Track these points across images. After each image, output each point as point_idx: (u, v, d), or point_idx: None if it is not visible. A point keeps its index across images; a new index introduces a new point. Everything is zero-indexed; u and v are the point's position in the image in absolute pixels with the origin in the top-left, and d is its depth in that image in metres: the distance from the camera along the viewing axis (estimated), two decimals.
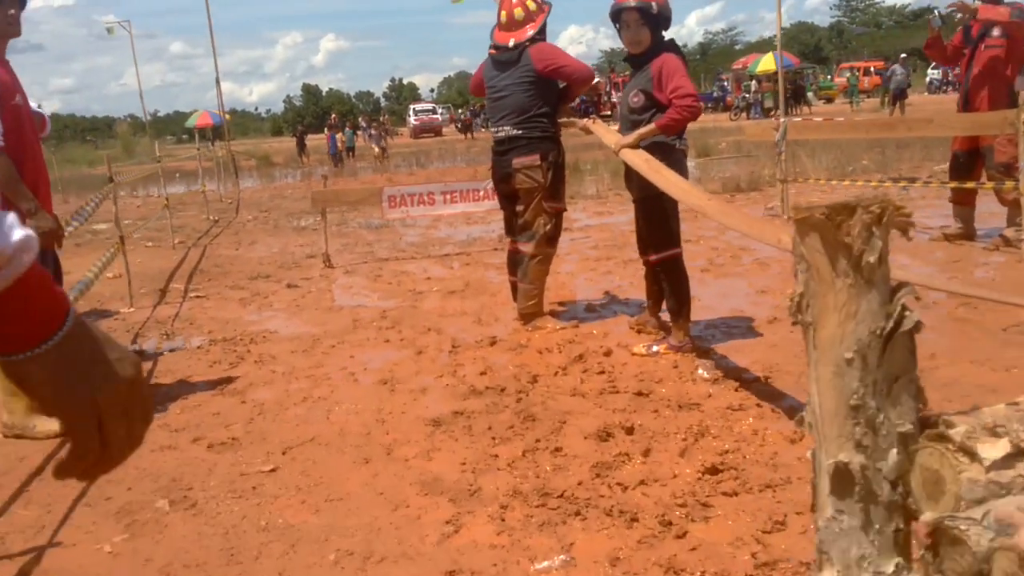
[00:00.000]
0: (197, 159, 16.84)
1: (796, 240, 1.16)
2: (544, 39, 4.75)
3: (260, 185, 20.99)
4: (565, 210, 5.02)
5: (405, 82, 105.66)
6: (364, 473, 3.09)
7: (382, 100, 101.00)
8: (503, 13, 4.74)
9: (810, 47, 71.97)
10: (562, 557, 2.36)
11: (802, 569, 2.19)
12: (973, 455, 1.00)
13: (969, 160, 6.10)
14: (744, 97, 32.52)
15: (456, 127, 42.18)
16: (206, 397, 4.16)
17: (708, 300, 5.14)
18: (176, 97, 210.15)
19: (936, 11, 5.93)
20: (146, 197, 17.83)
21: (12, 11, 3.66)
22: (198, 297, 6.68)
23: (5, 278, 0.71)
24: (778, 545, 2.34)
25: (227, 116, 30.57)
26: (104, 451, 0.80)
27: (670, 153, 4.02)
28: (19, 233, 0.73)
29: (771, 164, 11.37)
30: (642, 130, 4.05)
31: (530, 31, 4.67)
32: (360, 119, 46.27)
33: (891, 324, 1.10)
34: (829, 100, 39.07)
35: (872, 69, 40.79)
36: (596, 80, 4.97)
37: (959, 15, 5.90)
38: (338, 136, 28.32)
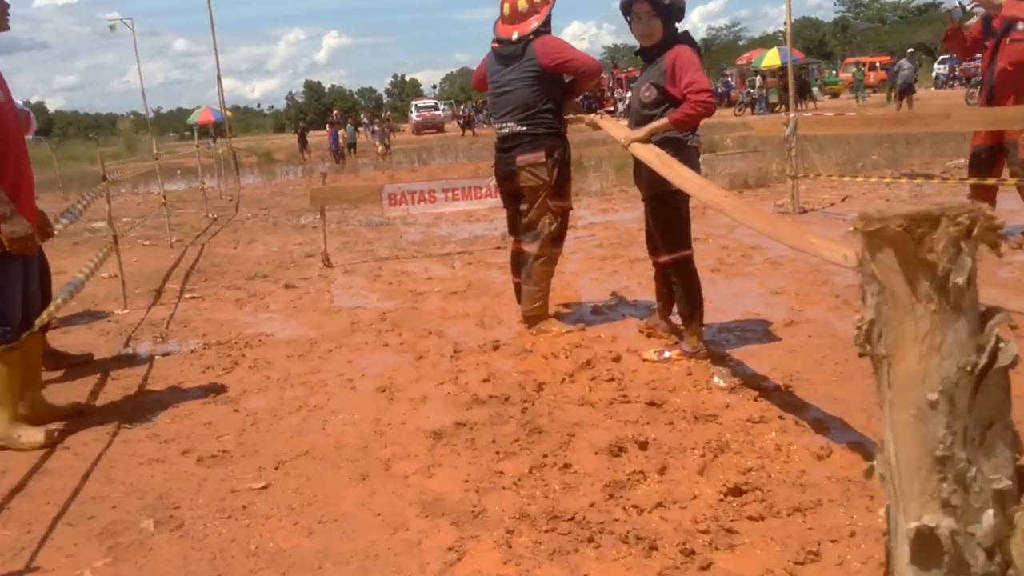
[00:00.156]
0: (196, 156, 16.64)
1: (865, 256, 0.96)
2: (549, 32, 4.55)
3: (261, 182, 20.82)
4: (571, 209, 4.82)
5: (407, 78, 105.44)
6: (361, 491, 2.90)
7: (384, 96, 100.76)
8: (506, 5, 4.54)
9: (814, 42, 71.63)
10: None
11: None
12: None
13: (991, 156, 5.89)
14: (749, 92, 32.29)
15: (458, 123, 41.95)
16: (198, 405, 3.98)
17: (720, 302, 4.94)
18: (180, 94, 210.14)
19: (959, 2, 5.71)
20: (146, 194, 17.63)
21: None
22: (194, 298, 6.50)
23: None
24: None
25: (229, 113, 30.43)
26: None
27: (681, 149, 3.83)
28: None
29: (779, 160, 11.18)
30: (654, 124, 3.86)
31: (534, 23, 4.48)
32: (362, 115, 46.11)
33: (984, 359, 0.90)
34: (834, 95, 38.75)
35: (878, 64, 40.51)
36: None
37: (978, 8, 5.68)
38: (340, 132, 28.14)
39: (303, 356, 4.66)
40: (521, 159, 4.52)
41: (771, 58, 32.76)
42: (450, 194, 7.60)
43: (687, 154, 3.84)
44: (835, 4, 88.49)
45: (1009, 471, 0.91)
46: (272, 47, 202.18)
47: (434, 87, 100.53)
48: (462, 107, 53.24)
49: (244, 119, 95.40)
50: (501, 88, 4.59)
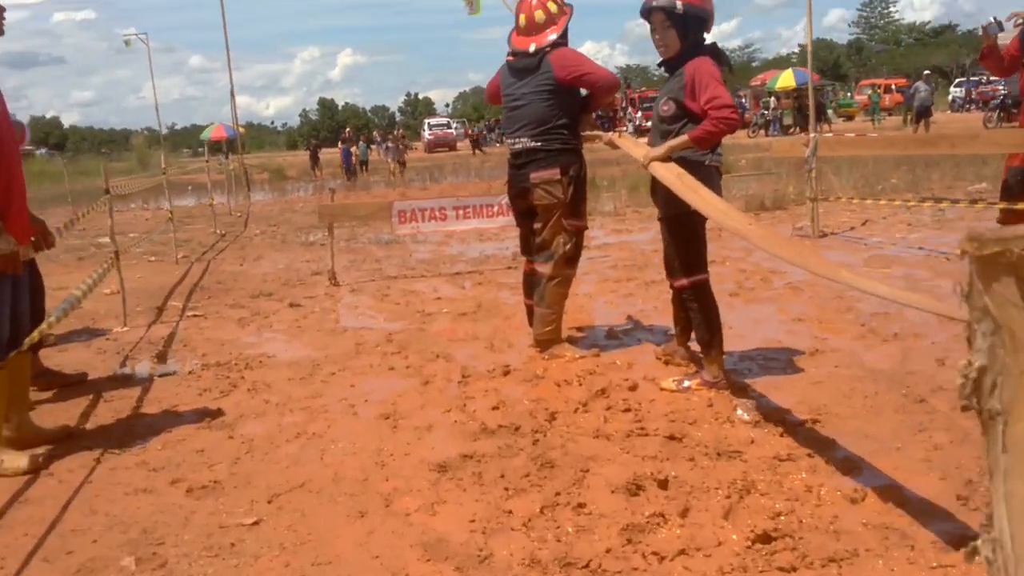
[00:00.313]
0: (206, 172, 16.58)
1: (975, 287, 0.76)
2: (566, 44, 4.38)
3: (272, 198, 20.76)
4: (587, 228, 4.63)
5: (420, 97, 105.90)
6: (358, 530, 2.70)
7: (397, 115, 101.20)
8: (522, 16, 4.38)
9: (828, 64, 71.50)
10: None
11: None
12: None
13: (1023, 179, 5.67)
14: (763, 114, 32.08)
15: (471, 143, 41.95)
16: (191, 431, 3.79)
17: (740, 328, 4.73)
18: (194, 111, 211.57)
19: (992, 18, 5.51)
20: (156, 210, 17.56)
21: None
22: (196, 316, 6.33)
23: None
24: None
25: (242, 129, 30.54)
26: None
27: (698, 170, 3.60)
28: None
29: (795, 181, 10.98)
30: (673, 142, 3.66)
31: (552, 35, 4.31)
32: (375, 133, 46.20)
33: None
34: (849, 118, 38.50)
35: (893, 87, 40.23)
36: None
37: (1019, 22, 5.47)
38: (352, 150, 28.10)
39: (304, 379, 4.48)
40: (535, 176, 4.34)
41: (786, 79, 32.56)
42: (461, 212, 7.43)
43: (705, 175, 3.63)
44: (849, 26, 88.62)
45: None
46: (287, 64, 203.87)
47: (447, 106, 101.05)
48: (474, 126, 53.33)
49: (258, 136, 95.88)
50: (515, 102, 4.42)
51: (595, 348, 4.59)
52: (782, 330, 4.73)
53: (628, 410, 3.57)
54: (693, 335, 4.01)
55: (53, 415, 4.11)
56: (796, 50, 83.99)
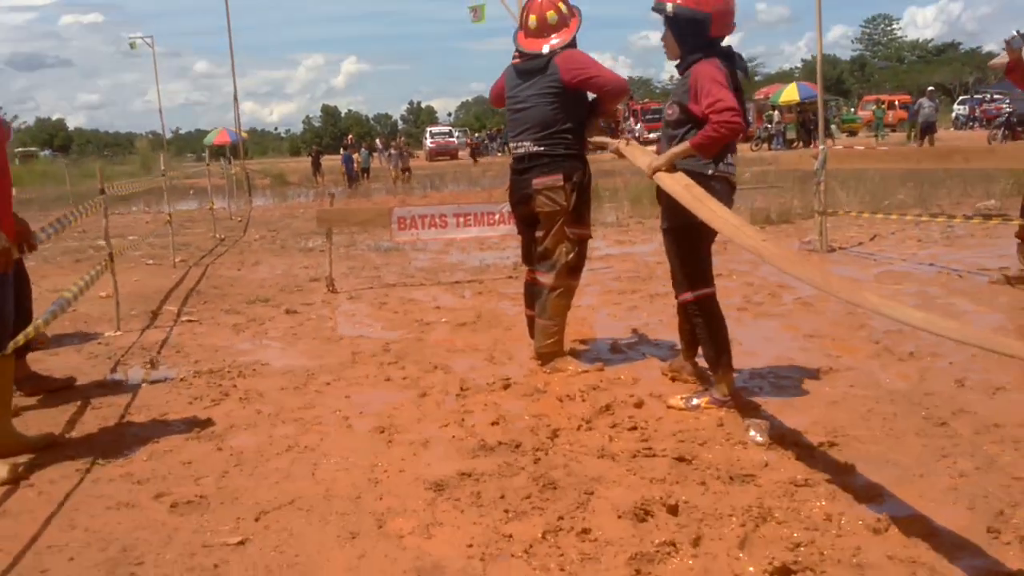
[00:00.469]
0: (207, 176, 16.46)
1: None
2: (575, 46, 4.24)
3: (273, 204, 20.65)
4: (590, 237, 4.48)
5: (423, 105, 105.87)
6: (349, 553, 2.54)
7: (400, 123, 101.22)
8: (532, 17, 4.23)
9: (831, 80, 71.43)
10: None
11: None
12: None
13: None
14: (766, 128, 31.98)
15: (470, 151, 41.81)
16: (179, 441, 3.64)
17: (750, 344, 4.58)
18: (199, 116, 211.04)
19: (1017, 31, 5.37)
20: (157, 213, 17.41)
21: None
22: (190, 321, 6.18)
23: None
24: None
25: (245, 135, 30.45)
26: None
27: (702, 181, 3.41)
28: None
29: (801, 195, 10.86)
30: (675, 149, 3.50)
31: (563, 37, 4.17)
32: (377, 140, 46.13)
33: None
34: (852, 133, 38.39)
35: (897, 103, 40.11)
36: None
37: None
38: (354, 156, 27.99)
39: (298, 389, 4.33)
40: (537, 182, 4.20)
41: (789, 93, 32.49)
42: (462, 219, 7.29)
43: (711, 186, 3.44)
44: (852, 42, 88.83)
45: None
46: (291, 71, 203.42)
47: (449, 115, 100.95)
48: (477, 135, 53.27)
49: (261, 142, 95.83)
50: (519, 104, 4.28)
51: (599, 362, 4.45)
52: (794, 347, 4.58)
53: (634, 428, 3.42)
54: (700, 351, 3.86)
55: (38, 422, 3.97)
56: (799, 65, 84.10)
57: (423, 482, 3.02)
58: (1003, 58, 5.67)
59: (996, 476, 2.78)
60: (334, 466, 3.25)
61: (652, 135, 32.19)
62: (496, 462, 3.15)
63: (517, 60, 4.32)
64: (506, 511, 2.73)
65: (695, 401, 3.64)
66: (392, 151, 30.08)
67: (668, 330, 4.96)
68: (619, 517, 2.62)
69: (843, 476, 2.84)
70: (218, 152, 36.78)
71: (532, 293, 4.51)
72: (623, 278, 6.96)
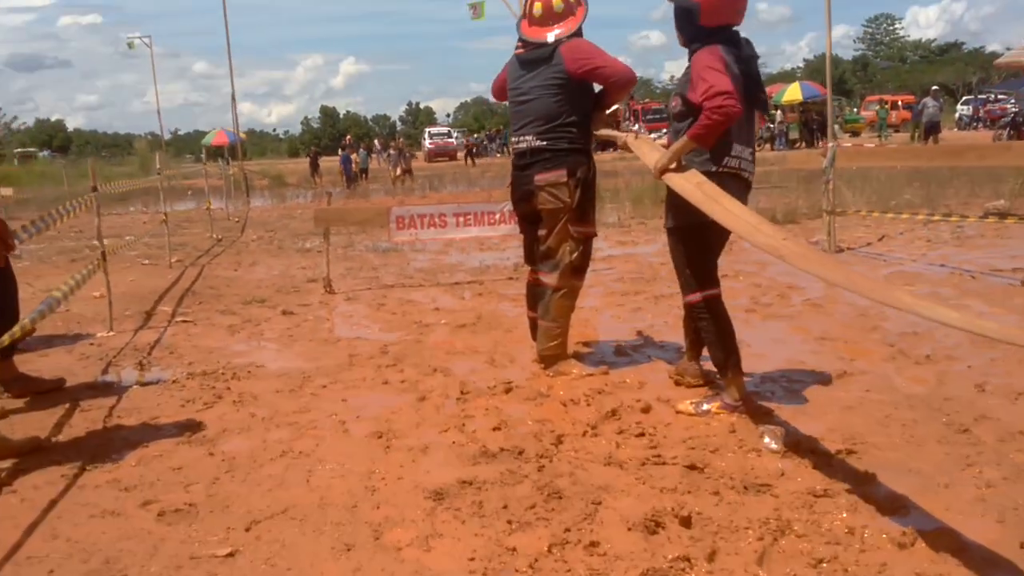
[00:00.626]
0: (204, 176, 16.32)
1: None
2: (581, 35, 4.10)
3: (271, 204, 20.51)
4: (595, 235, 4.33)
5: (422, 106, 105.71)
6: (344, 566, 2.41)
7: (398, 124, 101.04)
8: (538, 5, 4.08)
9: (834, 79, 71.35)
10: None
11: None
12: None
13: None
14: (768, 128, 31.82)
15: (466, 152, 41.58)
16: (169, 446, 3.51)
17: (759, 347, 4.45)
18: (198, 117, 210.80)
19: None
20: (155, 213, 17.29)
21: None
22: (185, 322, 6.05)
23: None
24: None
25: (243, 136, 30.31)
26: None
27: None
28: None
29: (806, 195, 10.72)
30: (675, 146, 3.37)
31: (570, 25, 4.03)
32: (375, 141, 45.96)
33: None
34: (855, 134, 38.22)
35: (900, 103, 39.92)
36: (615, 107, 4.26)
37: None
38: (352, 157, 27.82)
39: (293, 392, 4.19)
40: (540, 178, 4.06)
41: (792, 93, 32.27)
42: (462, 219, 7.15)
43: (718, 184, 3.29)
44: (854, 42, 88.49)
45: None
46: (290, 72, 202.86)
47: (448, 116, 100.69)
48: (475, 136, 53.09)
49: (259, 143, 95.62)
50: (521, 96, 4.13)
51: (603, 365, 4.31)
52: (805, 350, 4.44)
53: (642, 434, 3.28)
54: (706, 353, 3.73)
55: (24, 425, 3.84)
56: (801, 65, 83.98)
57: (422, 490, 2.88)
58: (1015, 56, 5.54)
59: None
60: (329, 473, 3.12)
61: (653, 136, 32.01)
62: (498, 469, 3.02)
63: (520, 50, 4.18)
64: (509, 522, 2.59)
65: (705, 406, 3.50)
66: (391, 151, 29.84)
67: (673, 332, 4.84)
68: (629, 529, 2.48)
69: (864, 486, 2.70)
70: (216, 153, 36.66)
71: (534, 294, 4.37)
72: (626, 279, 6.83)
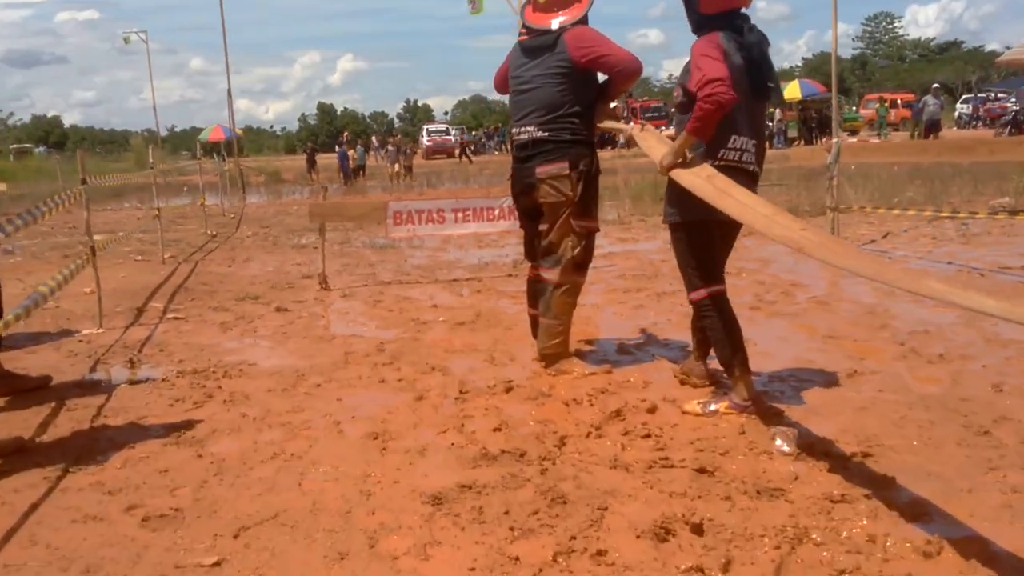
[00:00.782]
0: (198, 172, 16.17)
1: None
2: (587, 23, 3.97)
3: (266, 200, 20.36)
4: (598, 230, 4.20)
5: (420, 104, 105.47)
6: None
7: (396, 121, 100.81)
8: None
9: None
10: None
11: None
12: None
13: None
14: (767, 126, 31.73)
15: (459, 148, 41.35)
16: (157, 447, 3.38)
17: (765, 345, 4.32)
18: (194, 113, 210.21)
19: None
20: (149, 209, 17.13)
21: None
22: (176, 319, 5.91)
23: None
24: None
25: (240, 132, 30.14)
26: None
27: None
28: None
29: (807, 193, 10.60)
30: (676, 143, 3.27)
31: (575, 12, 3.90)
32: (373, 138, 45.79)
33: None
34: (854, 132, 38.06)
35: (899, 102, 39.74)
36: (614, 106, 4.13)
37: None
38: (350, 153, 27.66)
39: (287, 391, 4.06)
40: (541, 170, 3.93)
41: (791, 90, 32.13)
42: (460, 214, 7.02)
43: None
44: (853, 40, 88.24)
45: None
46: (287, 69, 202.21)
47: (446, 113, 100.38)
48: (474, 133, 52.92)
49: (257, 139, 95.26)
50: (523, 85, 4.00)
51: (606, 364, 4.19)
52: (812, 348, 4.32)
53: (648, 436, 3.16)
54: (713, 353, 3.61)
55: (7, 425, 3.71)
56: (800, 63, 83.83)
57: (420, 495, 2.75)
58: (1016, 54, 5.43)
59: None
60: (323, 476, 2.99)
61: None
62: (499, 473, 2.89)
63: (524, 37, 4.04)
64: (511, 529, 2.46)
65: (713, 406, 3.37)
66: (390, 147, 29.64)
67: (677, 330, 4.72)
68: (637, 537, 2.35)
69: (883, 491, 2.57)
70: (213, 149, 36.52)
71: (535, 291, 4.25)
72: (628, 276, 6.71)
